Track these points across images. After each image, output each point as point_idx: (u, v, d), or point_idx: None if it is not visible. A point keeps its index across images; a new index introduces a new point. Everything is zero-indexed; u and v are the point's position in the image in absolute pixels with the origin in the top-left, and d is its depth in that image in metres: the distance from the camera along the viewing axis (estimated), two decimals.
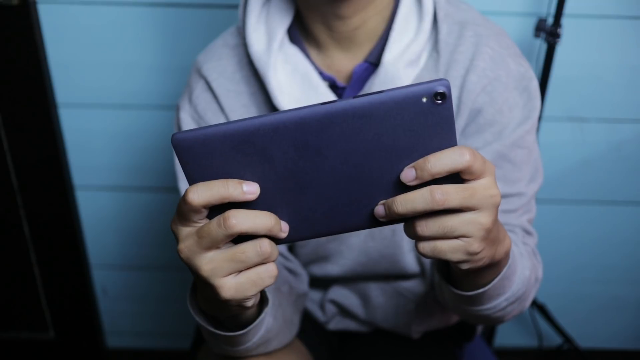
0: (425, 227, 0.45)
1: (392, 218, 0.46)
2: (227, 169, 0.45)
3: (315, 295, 0.90)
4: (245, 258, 0.46)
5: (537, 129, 0.75)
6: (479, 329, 0.94)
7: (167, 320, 1.55)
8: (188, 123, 0.76)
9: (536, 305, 1.40)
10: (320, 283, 0.89)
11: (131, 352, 1.60)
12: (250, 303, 0.50)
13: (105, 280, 1.49)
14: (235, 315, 0.58)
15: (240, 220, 0.45)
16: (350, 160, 0.44)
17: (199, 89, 0.76)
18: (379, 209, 0.46)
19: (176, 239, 0.48)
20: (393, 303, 0.85)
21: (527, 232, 0.73)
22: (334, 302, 0.89)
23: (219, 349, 0.67)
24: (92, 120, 1.28)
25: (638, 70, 1.20)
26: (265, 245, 0.46)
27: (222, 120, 0.75)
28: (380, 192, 0.46)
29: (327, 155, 0.44)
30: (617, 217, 1.37)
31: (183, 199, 0.45)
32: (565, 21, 1.13)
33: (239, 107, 0.75)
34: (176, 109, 0.79)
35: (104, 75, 1.23)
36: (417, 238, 0.46)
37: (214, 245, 0.46)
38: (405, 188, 0.45)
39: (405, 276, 0.83)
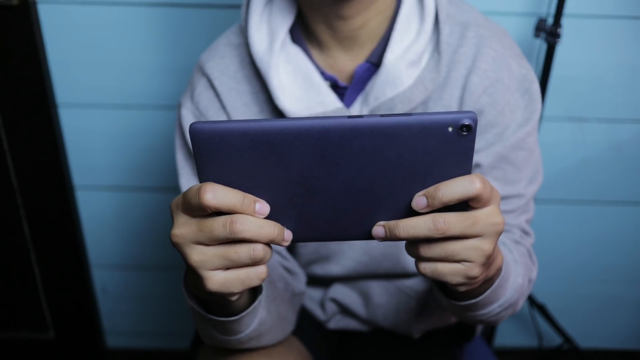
0: (428, 249, 0.46)
1: (392, 240, 0.47)
2: (240, 165, 0.45)
3: (316, 293, 0.90)
4: (236, 258, 0.46)
5: (537, 129, 0.75)
6: (479, 329, 0.94)
7: (167, 320, 1.55)
8: (189, 120, 0.76)
9: (536, 305, 1.40)
10: (321, 282, 0.89)
11: (131, 352, 1.59)
12: (234, 298, 0.50)
13: (105, 280, 1.49)
14: (223, 304, 0.58)
15: (246, 227, 0.45)
16: (364, 175, 0.45)
17: (201, 87, 0.76)
18: (379, 230, 0.47)
19: (172, 220, 0.48)
20: (394, 301, 0.85)
21: (525, 232, 0.74)
22: (335, 301, 0.89)
23: (210, 338, 0.66)
24: (92, 120, 1.28)
25: (638, 70, 1.20)
26: (259, 249, 0.46)
27: (223, 118, 0.75)
28: (385, 209, 0.47)
29: (343, 167, 0.45)
30: (617, 217, 1.37)
31: (198, 195, 0.44)
32: (565, 21, 1.13)
33: (240, 106, 0.75)
34: (178, 105, 0.79)
35: (104, 75, 1.23)
36: (418, 258, 0.48)
37: (211, 242, 0.46)
38: (410, 209, 0.46)
39: (407, 275, 0.83)
